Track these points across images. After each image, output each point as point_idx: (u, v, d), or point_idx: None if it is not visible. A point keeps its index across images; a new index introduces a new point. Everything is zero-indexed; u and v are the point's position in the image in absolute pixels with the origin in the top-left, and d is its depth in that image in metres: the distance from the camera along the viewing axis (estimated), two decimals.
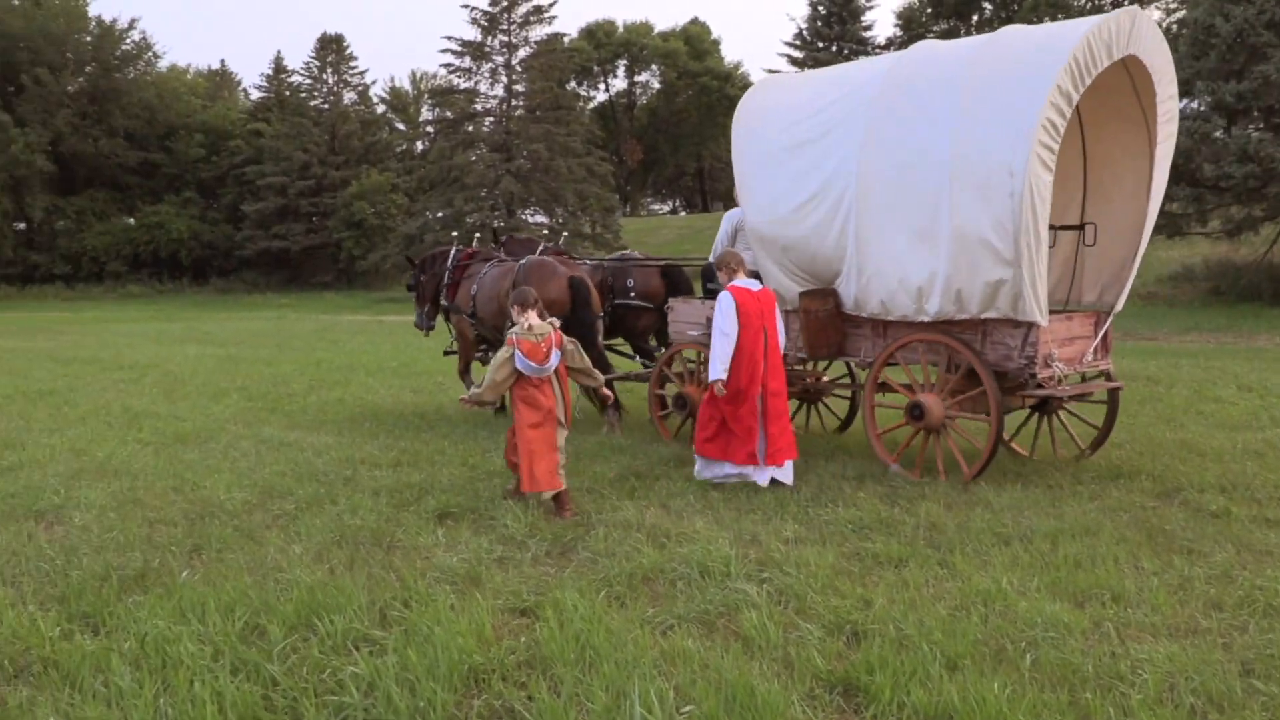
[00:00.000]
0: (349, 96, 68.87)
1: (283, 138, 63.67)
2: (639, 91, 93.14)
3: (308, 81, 68.05)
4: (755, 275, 9.27)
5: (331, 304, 50.91)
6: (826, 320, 9.22)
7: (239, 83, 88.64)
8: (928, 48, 9.37)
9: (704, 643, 4.92)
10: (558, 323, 7.97)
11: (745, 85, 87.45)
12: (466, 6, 56.55)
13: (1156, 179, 8.78)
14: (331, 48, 66.97)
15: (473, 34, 57.72)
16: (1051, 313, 8.45)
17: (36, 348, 25.07)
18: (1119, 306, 9.13)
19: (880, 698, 4.28)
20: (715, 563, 6.00)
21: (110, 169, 68.38)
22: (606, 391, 8.83)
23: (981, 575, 5.80)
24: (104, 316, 42.21)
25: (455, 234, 15.45)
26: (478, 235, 15.98)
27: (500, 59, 57.64)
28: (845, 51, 65.37)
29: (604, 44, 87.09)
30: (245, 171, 65.44)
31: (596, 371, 8.48)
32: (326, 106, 66.94)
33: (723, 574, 5.87)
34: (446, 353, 13.52)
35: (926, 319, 8.51)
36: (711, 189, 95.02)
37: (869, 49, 64.10)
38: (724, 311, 8.35)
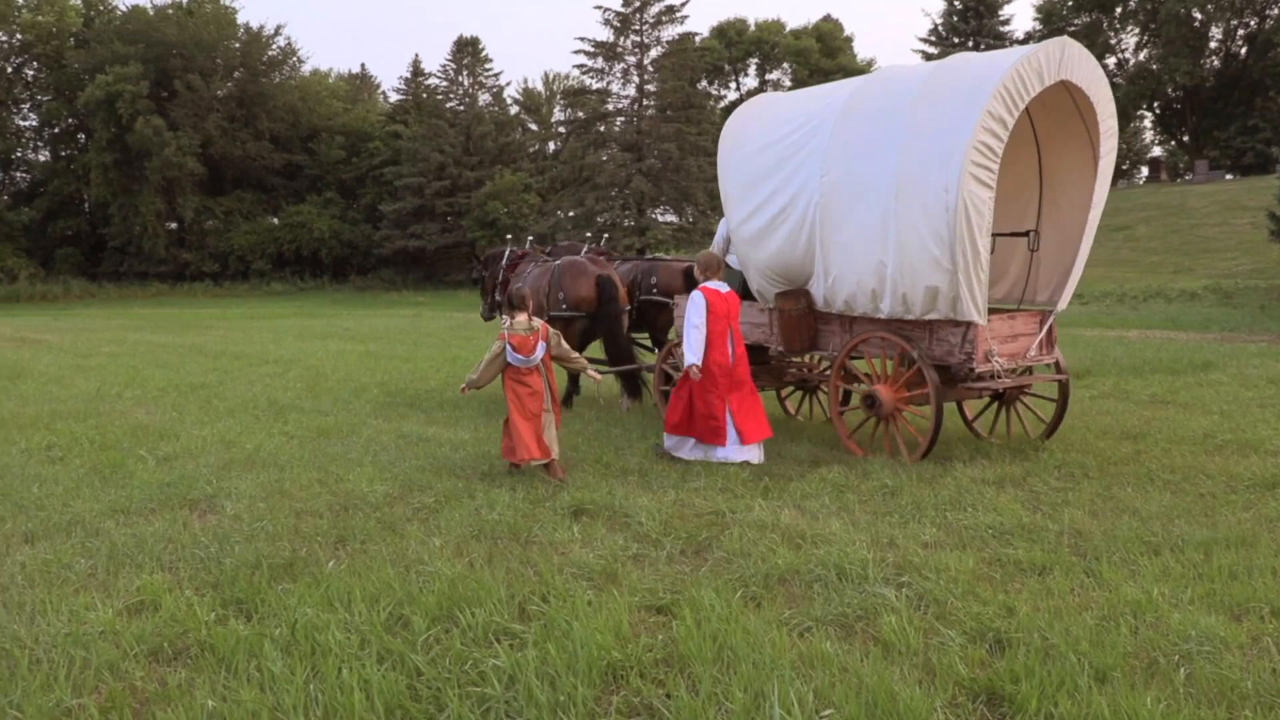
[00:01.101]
0: (484, 98, 70.00)
1: (420, 139, 65.03)
2: (771, 90, 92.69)
3: (444, 84, 69.34)
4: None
5: (466, 302, 51.80)
6: (799, 318, 10.38)
7: (378, 86, 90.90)
8: (887, 73, 10.42)
9: (842, 646, 4.87)
10: (539, 322, 9.13)
11: None
12: (599, 8, 57.06)
13: (1098, 191, 9.70)
14: (467, 50, 68.15)
15: (605, 34, 58.19)
16: (995, 312, 9.67)
17: (187, 343, 26.08)
18: (1061, 306, 9.99)
19: (1026, 708, 4.18)
20: (852, 565, 5.93)
21: (256, 171, 70.88)
22: (593, 373, 9.84)
23: (1130, 585, 5.61)
24: (249, 313, 43.72)
25: (510, 237, 17.20)
26: (530, 238, 17.36)
27: (632, 59, 57.98)
28: (982, 46, 64.02)
29: (735, 42, 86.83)
30: (384, 172, 67.04)
31: (578, 356, 9.85)
32: (462, 108, 68.13)
33: (860, 577, 5.80)
34: None
35: (882, 316, 9.55)
36: None
37: (1007, 43, 62.69)
38: (695, 307, 9.47)
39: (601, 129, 58.95)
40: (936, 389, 9.08)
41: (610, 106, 58.74)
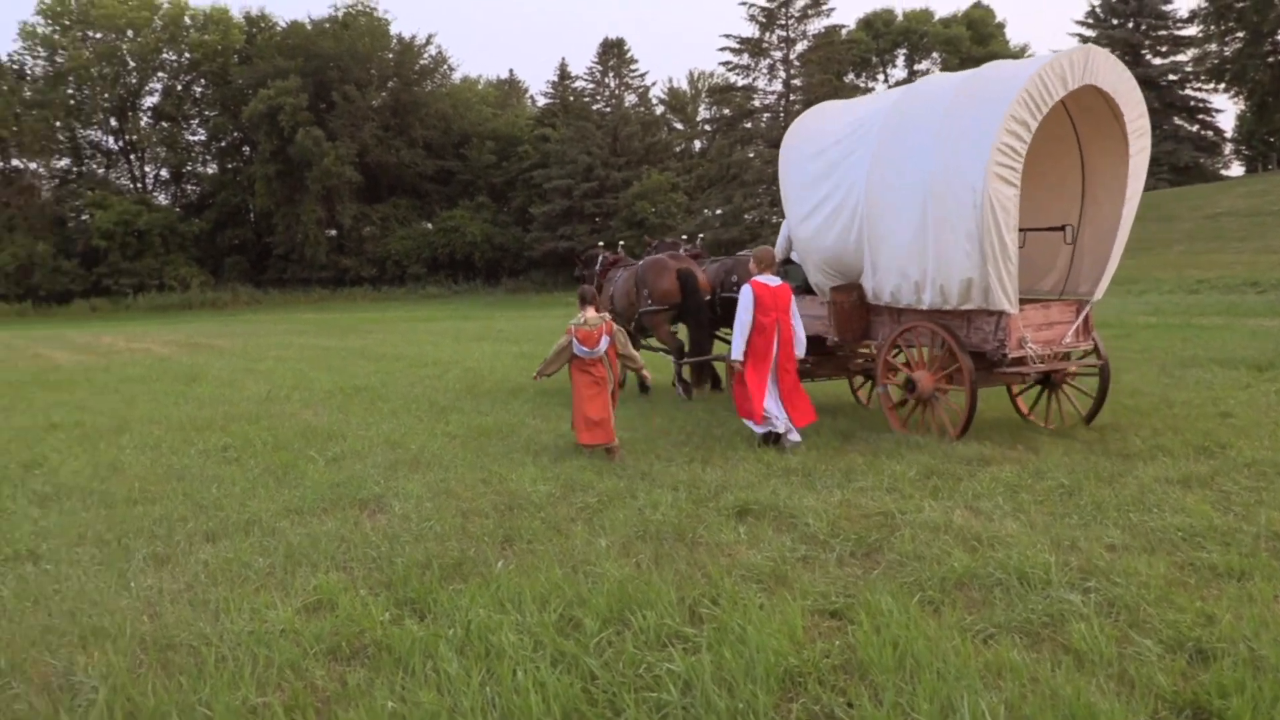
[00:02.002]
0: (630, 99, 70.48)
1: (567, 142, 65.81)
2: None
3: (590, 86, 70.08)
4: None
5: None
6: (852, 310, 11.32)
7: (526, 90, 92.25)
8: (927, 82, 11.48)
9: (1030, 655, 4.64)
10: (607, 316, 10.23)
11: None
12: (744, 4, 56.94)
13: (1131, 187, 10.22)
14: (613, 52, 68.69)
15: (750, 30, 57.91)
16: (1029, 301, 10.38)
17: (349, 346, 26.85)
18: (1097, 296, 10.51)
19: None
20: (1034, 569, 5.68)
21: (410, 177, 72.75)
22: (647, 374, 11.20)
23: None
24: (406, 316, 44.83)
25: (602, 243, 18.77)
26: (621, 243, 18.67)
27: (778, 54, 57.63)
28: (1143, 27, 61.67)
29: (882, 34, 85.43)
30: (533, 175, 68.07)
31: (637, 355, 10.76)
32: (608, 110, 68.70)
33: (1043, 581, 5.54)
34: None
35: (924, 307, 10.37)
36: None
37: (1169, 23, 60.27)
38: (744, 301, 10.22)
39: (748, 126, 58.73)
40: (970, 373, 9.87)
41: (757, 103, 58.51)
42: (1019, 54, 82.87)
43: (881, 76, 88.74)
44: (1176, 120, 66.54)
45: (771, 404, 10.10)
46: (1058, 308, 10.41)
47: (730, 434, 10.63)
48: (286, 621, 5.30)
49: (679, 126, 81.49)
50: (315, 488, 8.55)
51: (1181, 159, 64.34)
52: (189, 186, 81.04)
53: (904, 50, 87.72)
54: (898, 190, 10.40)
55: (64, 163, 78.77)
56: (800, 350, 10.35)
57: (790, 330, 10.24)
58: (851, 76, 77.92)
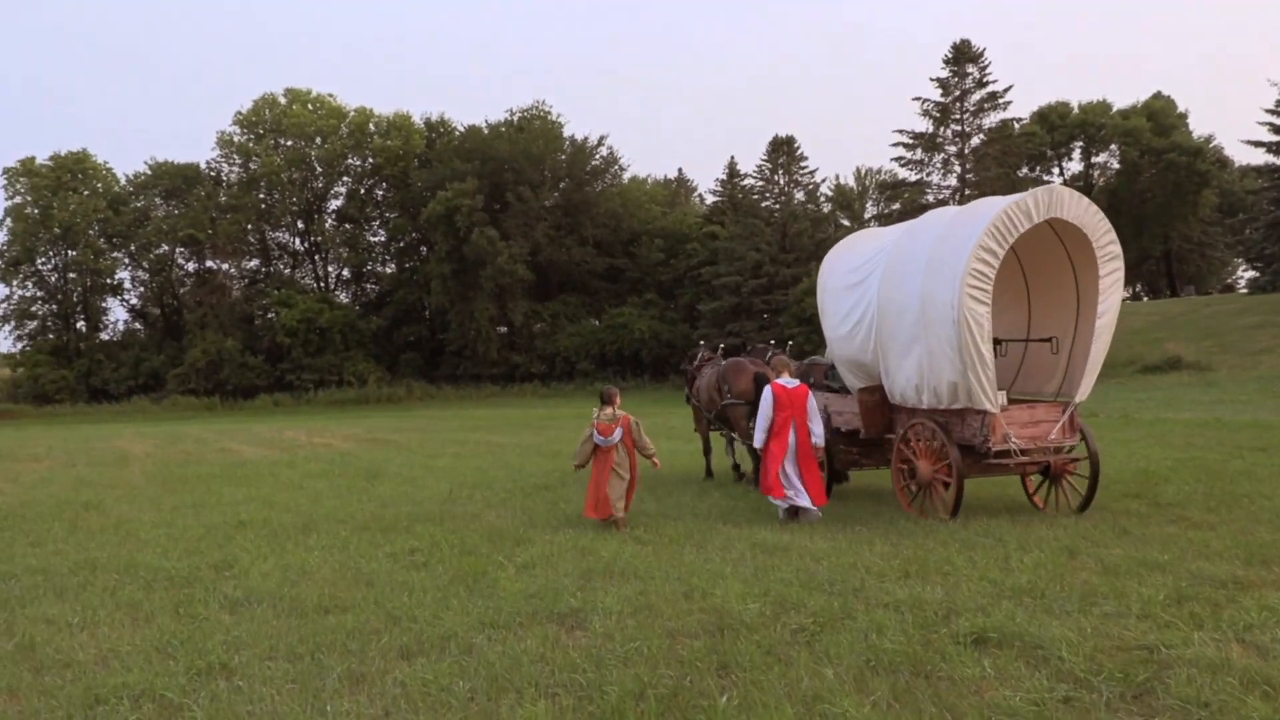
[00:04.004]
0: (798, 196, 70.25)
1: (736, 239, 65.83)
2: (1096, 173, 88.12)
3: (760, 183, 70.13)
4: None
5: None
6: (875, 407, 13.21)
7: (694, 189, 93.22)
8: (930, 215, 13.48)
9: None
10: (623, 413, 12.33)
11: (1218, 160, 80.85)
12: (918, 99, 56.40)
13: (1102, 304, 11.78)
14: (783, 149, 68.71)
15: (924, 125, 57.20)
16: (1016, 402, 12.10)
17: (524, 443, 26.77)
18: (1079, 398, 11.99)
19: None
20: None
21: (580, 275, 73.84)
22: (657, 461, 12.70)
23: None
24: (577, 413, 44.85)
25: (702, 342, 21.84)
26: (721, 345, 21.17)
27: (953, 148, 56.68)
28: None
29: (1058, 126, 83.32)
30: (701, 272, 68.21)
31: (649, 444, 12.47)
32: (777, 207, 68.60)
33: None
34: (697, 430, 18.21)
35: (924, 407, 12.17)
36: (1180, 272, 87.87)
37: None
38: (765, 400, 12.50)
39: None
40: (957, 463, 11.54)
41: (930, 197, 57.46)
42: (1203, 146, 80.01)
43: (1056, 170, 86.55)
44: None
45: (791, 479, 12.17)
46: (1044, 408, 12.02)
47: (937, 544, 9.81)
48: None
49: (846, 223, 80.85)
50: (509, 598, 8.10)
51: None
52: (368, 285, 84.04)
53: (1080, 143, 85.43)
54: (898, 308, 12.36)
55: (253, 263, 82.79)
56: (819, 440, 12.40)
57: (805, 421, 12.31)
58: (1025, 170, 76.10)
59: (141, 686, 6.12)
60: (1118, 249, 11.76)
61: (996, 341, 12.39)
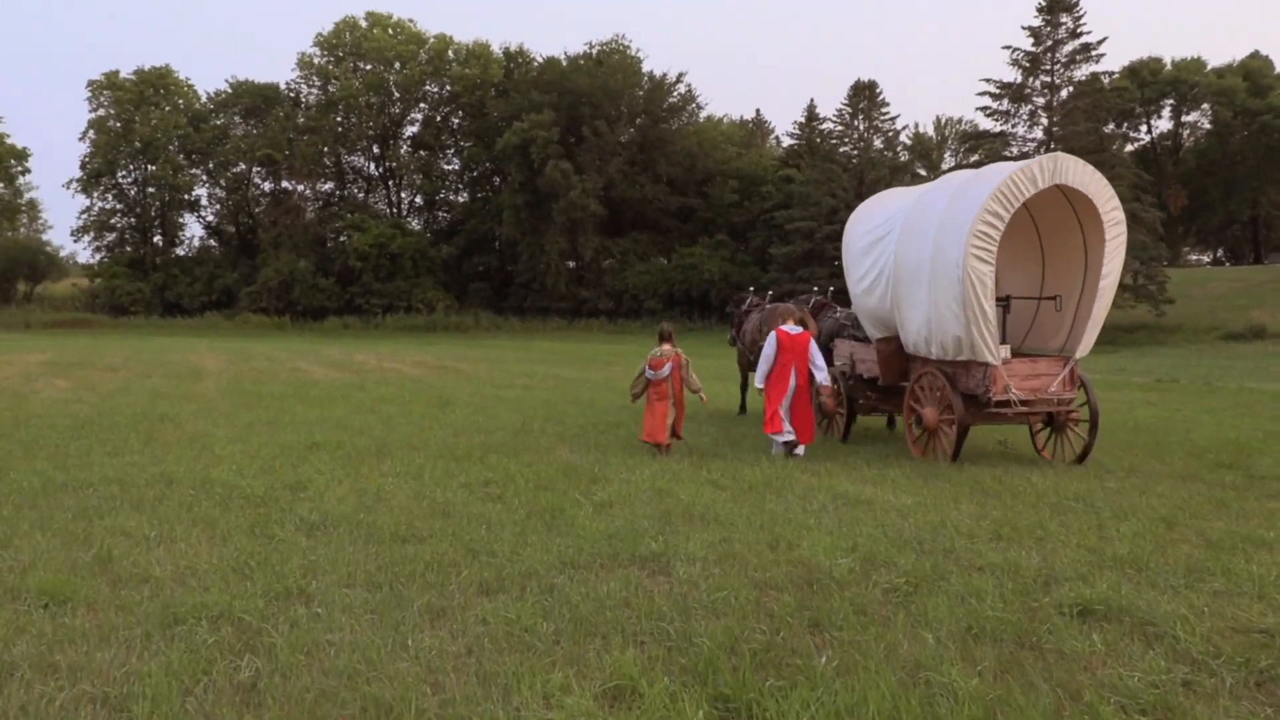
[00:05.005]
0: (877, 143, 68.99)
1: (812, 184, 64.91)
2: (1186, 133, 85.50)
3: (839, 128, 68.96)
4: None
5: None
6: (892, 356, 14.10)
7: (772, 131, 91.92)
8: (946, 178, 14.72)
9: None
10: (678, 349, 13.18)
11: None
12: (1008, 47, 54.85)
13: (1105, 265, 12.53)
14: (864, 94, 67.47)
15: (1013, 75, 55.67)
16: (1019, 355, 13.08)
17: (594, 378, 26.64)
18: (1079, 354, 12.82)
19: None
20: None
21: (652, 213, 73.31)
22: (704, 396, 13.48)
23: None
24: (643, 349, 44.58)
25: (752, 289, 22.59)
26: (770, 291, 21.96)
27: (1040, 100, 55.12)
28: None
29: (1149, 83, 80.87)
30: (774, 216, 67.43)
31: (695, 379, 13.25)
32: (855, 153, 67.45)
33: None
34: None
35: (934, 358, 13.09)
36: (1266, 238, 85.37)
37: None
38: (769, 344, 13.38)
39: None
40: (959, 410, 12.44)
41: (1015, 150, 56.00)
42: None
43: (1144, 128, 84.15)
44: None
45: (785, 419, 13.07)
46: (1045, 362, 12.86)
47: (1025, 506, 9.46)
48: (587, 712, 4.58)
49: (922, 173, 79.29)
50: (588, 538, 7.89)
51: None
52: (440, 213, 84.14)
53: (1171, 101, 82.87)
54: (910, 266, 13.20)
55: (328, 186, 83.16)
56: (824, 381, 13.49)
57: (805, 365, 13.20)
58: (1112, 127, 73.85)
59: (220, 607, 5.99)
60: (1121, 215, 12.41)
61: (1004, 299, 13.43)
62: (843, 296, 20.41)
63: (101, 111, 79.56)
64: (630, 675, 4.98)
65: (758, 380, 13.47)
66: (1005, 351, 12.54)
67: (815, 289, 20.78)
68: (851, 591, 6.61)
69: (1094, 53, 54.34)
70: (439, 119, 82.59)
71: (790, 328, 13.33)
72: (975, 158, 60.69)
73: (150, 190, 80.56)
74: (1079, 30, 54.21)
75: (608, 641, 5.54)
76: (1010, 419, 12.98)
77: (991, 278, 11.98)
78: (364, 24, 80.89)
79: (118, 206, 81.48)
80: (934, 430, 12.85)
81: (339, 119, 79.86)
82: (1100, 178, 12.27)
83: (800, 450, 13.00)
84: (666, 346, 13.08)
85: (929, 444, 13.04)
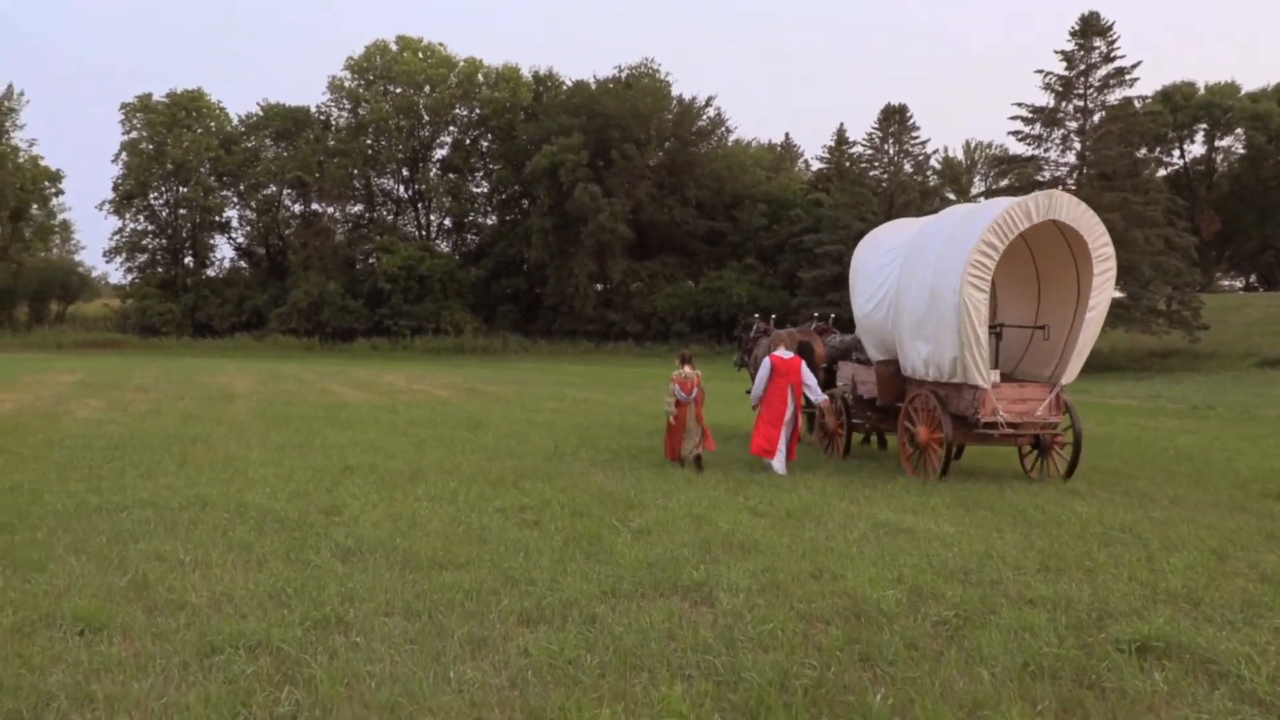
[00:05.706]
0: (907, 167, 68.70)
1: (841, 207, 64.62)
2: (1219, 157, 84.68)
3: (869, 152, 68.67)
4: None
5: None
6: (890, 378, 14.83)
7: (800, 155, 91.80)
8: (949, 210, 15.31)
9: None
10: (698, 373, 14.22)
11: None
12: (1040, 71, 54.50)
13: (1093, 298, 13.18)
14: (894, 118, 67.12)
15: (1045, 100, 55.37)
16: (1008, 380, 13.61)
17: (623, 402, 26.50)
18: (1065, 380, 13.41)
19: None
20: None
21: (680, 236, 73.18)
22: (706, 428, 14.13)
23: None
24: (670, 373, 44.45)
25: (757, 315, 22.35)
26: (774, 316, 21.71)
27: (1073, 124, 54.78)
28: None
29: (1182, 107, 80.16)
30: (803, 240, 67.09)
31: (703, 417, 14.05)
32: (885, 177, 67.18)
33: None
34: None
35: (929, 380, 13.68)
36: None
37: None
38: (764, 367, 14.26)
39: None
40: (948, 430, 13.09)
41: (1046, 174, 55.61)
42: None
43: (1177, 152, 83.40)
44: None
45: (782, 441, 13.78)
46: (1032, 388, 13.52)
47: (1071, 536, 9.26)
48: None
49: (951, 197, 78.78)
50: (628, 567, 7.76)
51: None
52: (469, 235, 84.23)
53: (1204, 125, 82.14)
54: (914, 291, 13.82)
55: (358, 208, 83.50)
56: (817, 400, 14.58)
57: (800, 388, 14.08)
58: (1145, 151, 73.19)
59: (257, 636, 5.88)
60: (1111, 250, 13.11)
61: (997, 327, 13.93)
62: (841, 322, 20.84)
63: (134, 134, 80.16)
64: (680, 712, 4.85)
65: (752, 400, 14.61)
66: (995, 376, 13.18)
67: (815, 315, 21.48)
68: (900, 625, 6.46)
69: (1127, 77, 53.90)
70: (468, 142, 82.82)
71: (783, 352, 14.35)
72: (1006, 182, 60.32)
73: (181, 212, 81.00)
74: (1112, 54, 53.80)
75: (654, 675, 5.41)
76: (997, 440, 13.59)
77: (985, 304, 12.73)
78: (394, 47, 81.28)
79: (149, 228, 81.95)
80: (925, 449, 13.59)
81: (369, 141, 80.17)
82: (1091, 214, 12.94)
83: (782, 470, 13.71)
84: (688, 369, 14.08)
85: (919, 462, 13.72)
